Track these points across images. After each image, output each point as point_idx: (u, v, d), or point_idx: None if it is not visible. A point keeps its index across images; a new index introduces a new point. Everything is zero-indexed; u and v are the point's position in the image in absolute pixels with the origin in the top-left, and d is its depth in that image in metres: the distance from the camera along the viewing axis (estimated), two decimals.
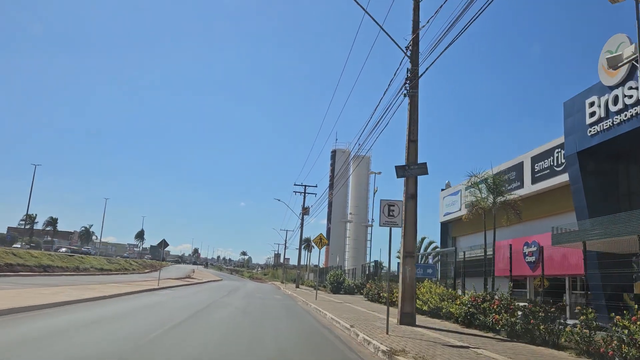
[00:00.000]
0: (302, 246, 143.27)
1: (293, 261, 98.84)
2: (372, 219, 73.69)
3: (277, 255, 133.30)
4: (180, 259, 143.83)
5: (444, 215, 42.49)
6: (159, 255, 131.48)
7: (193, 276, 63.79)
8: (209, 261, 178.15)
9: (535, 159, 25.04)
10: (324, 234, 68.33)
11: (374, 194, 38.71)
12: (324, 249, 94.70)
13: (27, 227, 78.40)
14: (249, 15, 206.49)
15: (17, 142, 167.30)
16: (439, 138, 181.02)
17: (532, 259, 20.79)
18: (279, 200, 59.06)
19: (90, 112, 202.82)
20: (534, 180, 24.78)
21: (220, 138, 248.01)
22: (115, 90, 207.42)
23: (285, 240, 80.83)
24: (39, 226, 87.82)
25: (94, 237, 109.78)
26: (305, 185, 47.49)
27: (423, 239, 38.64)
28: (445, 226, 43.09)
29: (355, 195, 69.49)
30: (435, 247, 32.75)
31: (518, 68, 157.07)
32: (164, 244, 30.48)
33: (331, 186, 66.65)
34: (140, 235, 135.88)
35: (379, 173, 39.03)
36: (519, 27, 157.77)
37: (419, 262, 25.96)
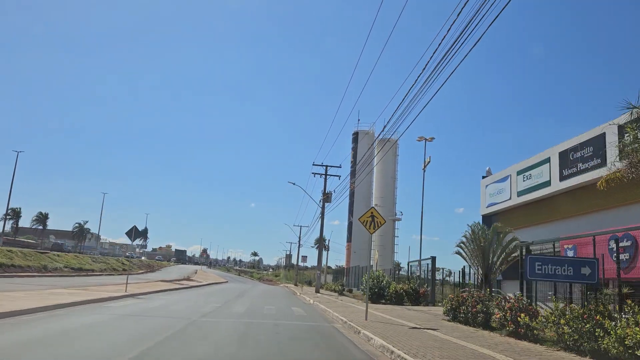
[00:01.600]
0: (316, 247, 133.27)
1: (310, 261, 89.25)
2: (401, 212, 64.37)
3: (289, 256, 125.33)
4: (189, 260, 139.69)
5: (487, 207, 33.85)
6: (183, 257, 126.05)
7: (193, 278, 54.91)
8: (220, 262, 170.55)
9: (625, 128, 16.53)
10: (346, 232, 58.16)
11: (425, 165, 29.17)
12: (343, 247, 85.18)
13: (12, 223, 69.97)
14: (252, 9, 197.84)
15: (17, 142, 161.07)
16: (476, 124, 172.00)
17: (626, 256, 15.99)
18: (293, 184, 47.90)
19: (93, 112, 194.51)
20: (624, 156, 16.41)
21: (229, 138, 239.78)
22: (117, 89, 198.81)
23: (300, 237, 71.72)
24: (26, 223, 79.49)
25: (102, 237, 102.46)
26: (327, 166, 38.25)
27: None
28: (488, 219, 34.71)
29: (381, 184, 60.02)
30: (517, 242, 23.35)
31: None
32: (134, 231, 21.48)
33: (353, 174, 57.26)
34: (143, 234, 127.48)
35: (431, 139, 29.45)
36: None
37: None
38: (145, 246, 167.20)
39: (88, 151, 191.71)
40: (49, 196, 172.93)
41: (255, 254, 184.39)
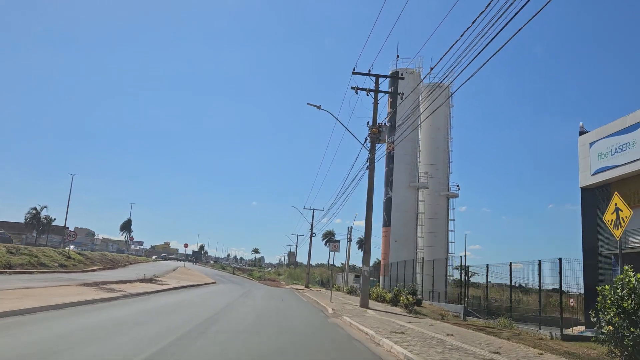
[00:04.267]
0: (324, 242, 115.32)
1: (317, 258, 72.49)
2: (457, 186, 46.69)
3: (292, 254, 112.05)
4: (186, 257, 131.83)
5: (594, 174, 22.70)
6: (199, 256, 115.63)
7: (163, 278, 37.63)
8: (221, 260, 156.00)
9: None
10: (382, 212, 41.15)
11: None
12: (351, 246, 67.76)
13: None
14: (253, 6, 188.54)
15: (15, 140, 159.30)
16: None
17: None
18: (318, 107, 20.77)
19: (93, 110, 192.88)
20: None
21: (230, 136, 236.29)
22: (118, 87, 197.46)
23: (312, 224, 54.29)
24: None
25: (97, 233, 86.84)
26: (378, 75, 20.82)
27: None
28: (591, 195, 22.92)
29: (430, 146, 42.69)
30: None
31: None
32: None
33: (391, 130, 39.96)
34: (126, 227, 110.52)
35: None
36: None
37: None
38: (141, 242, 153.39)
39: (87, 150, 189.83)
40: (49, 196, 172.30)
41: (256, 251, 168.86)
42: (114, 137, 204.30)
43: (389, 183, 41.24)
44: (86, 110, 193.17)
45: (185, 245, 57.39)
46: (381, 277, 39.01)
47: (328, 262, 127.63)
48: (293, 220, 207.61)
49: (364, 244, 20.22)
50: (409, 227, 40.22)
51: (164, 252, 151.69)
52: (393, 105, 41.82)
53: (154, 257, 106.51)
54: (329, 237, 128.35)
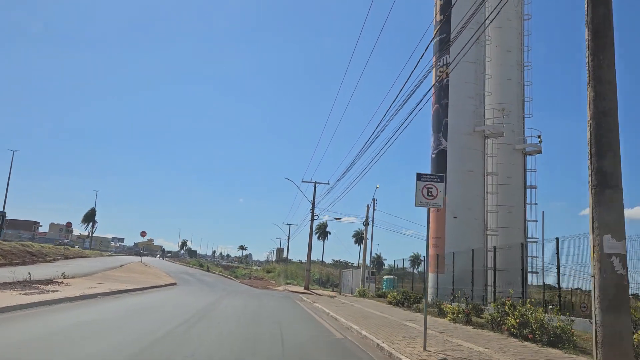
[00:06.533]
0: (317, 235, 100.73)
1: (313, 254, 57.44)
2: (539, 137, 31.10)
3: (280, 250, 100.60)
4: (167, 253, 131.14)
5: None
6: (194, 255, 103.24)
7: (80, 279, 22.77)
8: (208, 257, 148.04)
9: None
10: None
11: None
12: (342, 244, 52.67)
13: None
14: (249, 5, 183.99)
15: (11, 139, 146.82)
16: None
17: None
18: None
19: (90, 110, 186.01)
20: None
21: (220, 133, 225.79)
22: (109, 84, 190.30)
23: (313, 202, 39.52)
24: None
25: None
26: None
27: None
28: None
29: (498, 78, 28.20)
30: None
31: None
32: None
33: (441, 46, 25.55)
34: (90, 218, 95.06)
35: None
36: None
37: None
38: (122, 239, 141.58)
39: (81, 148, 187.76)
40: (44, 194, 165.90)
41: (242, 248, 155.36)
42: (111, 135, 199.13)
43: (440, 128, 26.59)
44: (81, 108, 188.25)
45: (143, 234, 42.74)
46: (432, 275, 24.58)
47: (322, 257, 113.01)
48: (285, 212, 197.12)
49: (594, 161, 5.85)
50: (473, 195, 25.74)
51: (146, 249, 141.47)
52: (445, 8, 27.37)
53: (110, 251, 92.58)
54: (323, 230, 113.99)
